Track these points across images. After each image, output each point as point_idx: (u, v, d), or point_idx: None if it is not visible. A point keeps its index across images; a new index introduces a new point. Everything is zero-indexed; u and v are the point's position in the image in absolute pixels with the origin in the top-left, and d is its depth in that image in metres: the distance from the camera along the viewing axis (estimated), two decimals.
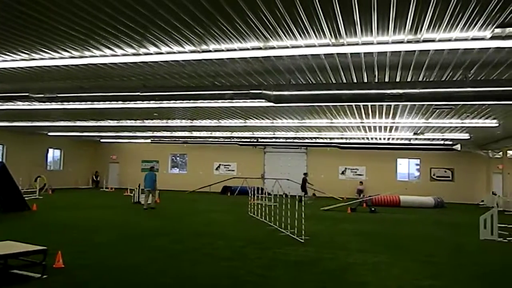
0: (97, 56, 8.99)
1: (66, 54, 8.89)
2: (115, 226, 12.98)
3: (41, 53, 8.89)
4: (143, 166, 36.47)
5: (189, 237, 11.12)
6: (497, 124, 17.13)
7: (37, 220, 14.05)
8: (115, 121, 21.53)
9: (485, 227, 12.28)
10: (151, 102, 13.04)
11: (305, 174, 28.26)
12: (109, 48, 8.41)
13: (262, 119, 18.55)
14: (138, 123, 21.60)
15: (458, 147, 24.75)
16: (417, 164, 32.01)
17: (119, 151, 37.26)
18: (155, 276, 7.10)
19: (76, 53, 8.85)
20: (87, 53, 8.83)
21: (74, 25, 7.17)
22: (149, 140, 31.82)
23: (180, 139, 30.14)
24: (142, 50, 8.54)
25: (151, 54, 8.70)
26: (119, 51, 8.62)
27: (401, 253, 9.84)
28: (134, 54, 8.78)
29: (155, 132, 26.91)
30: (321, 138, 26.06)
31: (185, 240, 10.72)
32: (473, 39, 7.21)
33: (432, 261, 8.95)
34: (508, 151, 25.60)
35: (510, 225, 12.81)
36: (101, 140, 35.48)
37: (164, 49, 8.38)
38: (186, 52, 8.53)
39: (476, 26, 6.73)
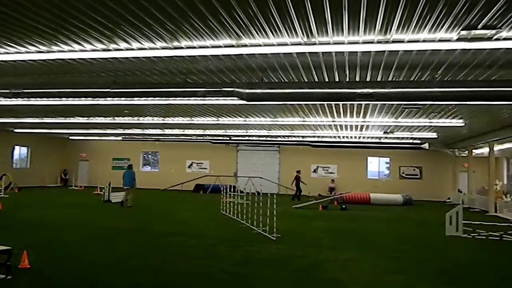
0: (65, 51, 8.77)
1: (32, 48, 8.64)
2: (83, 225, 12.72)
3: (6, 47, 8.61)
4: (114, 164, 35.88)
5: (160, 236, 11.00)
6: (463, 124, 17.68)
7: (2, 219, 13.60)
8: (85, 118, 21.07)
9: (451, 224, 12.67)
10: (122, 99, 12.81)
11: (298, 171, 27.99)
12: (78, 43, 8.22)
13: (235, 117, 18.53)
14: (108, 120, 21.19)
15: (426, 146, 25.41)
16: (387, 163, 32.69)
17: (89, 149, 36.49)
18: (124, 275, 6.99)
19: (43, 48, 8.61)
20: (55, 48, 8.60)
21: (41, 19, 6.97)
22: (120, 138, 31.28)
23: (152, 137, 29.80)
24: (112, 46, 8.38)
25: (122, 50, 8.56)
26: (88, 46, 8.44)
27: (370, 249, 10.03)
28: (104, 50, 8.61)
29: (126, 130, 26.48)
30: (294, 136, 26.27)
31: (156, 238, 10.61)
32: (440, 40, 7.41)
33: (399, 257, 9.16)
34: (474, 150, 26.46)
35: (474, 221, 13.25)
36: (70, 137, 34.66)
37: (135, 45, 8.26)
38: (157, 49, 8.43)
39: (443, 28, 6.91)
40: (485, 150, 24.56)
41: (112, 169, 35.59)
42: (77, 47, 8.46)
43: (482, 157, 27.54)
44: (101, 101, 14.71)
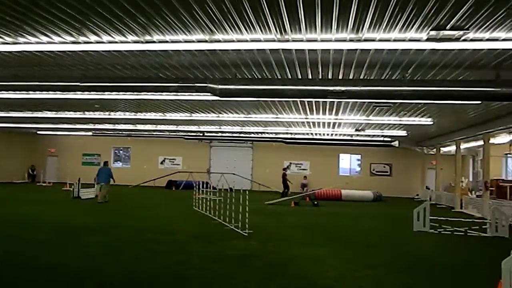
0: (32, 43, 8.52)
1: None
2: (50, 222, 12.40)
3: None
4: (84, 160, 35.15)
5: (131, 233, 10.85)
6: (431, 122, 18.16)
7: None
8: (54, 112, 20.52)
9: (418, 220, 12.99)
10: (92, 93, 12.57)
11: (284, 169, 27.97)
12: (45, 35, 8.00)
13: (208, 113, 18.45)
14: (78, 114, 20.73)
15: (396, 143, 25.99)
16: (358, 160, 33.24)
17: (58, 144, 35.58)
18: (92, 272, 6.86)
19: (9, 39, 8.34)
20: (21, 39, 8.35)
21: (6, 9, 6.73)
22: (90, 133, 30.63)
23: (124, 132, 29.31)
24: (82, 39, 8.20)
25: (92, 43, 8.38)
26: (56, 39, 8.22)
27: (340, 245, 10.18)
28: (73, 42, 8.42)
29: (97, 125, 25.94)
30: (267, 133, 26.37)
31: (126, 235, 10.45)
32: (410, 40, 7.58)
33: (369, 252, 9.33)
34: (441, 148, 27.22)
35: (440, 217, 13.61)
36: (38, 132, 33.63)
37: (106, 38, 8.10)
38: (129, 42, 8.30)
39: (413, 28, 7.07)
40: (452, 148, 25.31)
41: (82, 164, 34.86)
42: (44, 39, 8.22)
43: (449, 155, 28.36)
44: (71, 95, 14.38)
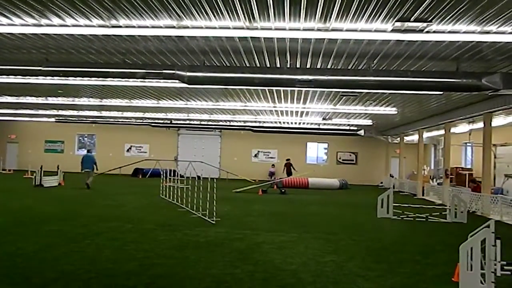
0: None
1: None
2: (10, 210, 12.03)
3: None
4: (47, 147, 34.15)
5: (94, 221, 10.67)
6: (395, 112, 18.63)
7: None
8: (14, 98, 19.76)
9: (382, 206, 13.39)
10: (55, 78, 12.14)
11: (288, 159, 28.29)
12: (5, 16, 7.66)
13: (176, 100, 18.25)
14: (40, 100, 20.04)
15: (361, 132, 26.55)
16: (325, 148, 33.75)
17: (18, 130, 34.36)
18: (54, 262, 6.72)
19: None
20: None
21: None
22: (53, 119, 29.69)
23: (88, 119, 28.61)
24: (44, 21, 7.91)
25: (55, 26, 8.10)
26: (17, 20, 7.90)
27: (306, 231, 10.37)
28: (34, 25, 8.11)
29: (60, 111, 25.18)
30: (235, 121, 26.36)
31: (90, 224, 10.28)
32: (376, 31, 7.72)
33: (333, 239, 9.56)
34: (405, 137, 27.99)
35: (403, 204, 14.06)
36: None
37: (69, 21, 7.85)
38: (93, 26, 8.07)
39: (379, 19, 7.20)
40: (415, 137, 26.09)
41: (45, 152, 33.86)
42: (4, 20, 7.89)
43: (412, 144, 29.21)
44: (32, 80, 13.85)
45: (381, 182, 30.73)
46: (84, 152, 34.47)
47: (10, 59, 10.78)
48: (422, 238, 10.28)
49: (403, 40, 8.30)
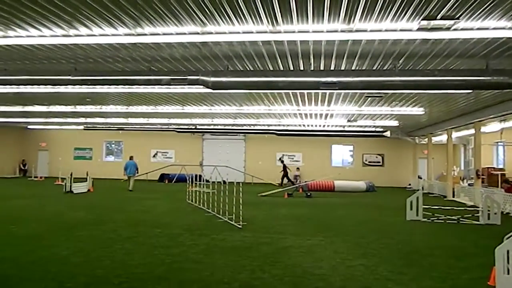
0: (22, 37, 8.42)
1: None
2: (43, 216, 12.35)
3: None
4: (76, 154, 34.95)
5: (124, 226, 10.84)
6: (423, 112, 18.27)
7: None
8: (44, 107, 20.33)
9: (411, 209, 13.13)
10: (83, 86, 12.48)
11: (282, 161, 29.01)
12: (35, 28, 7.90)
13: (200, 105, 18.39)
14: (69, 108, 20.56)
15: (388, 133, 26.13)
16: (350, 150, 33.36)
17: (49, 138, 35.32)
18: (85, 266, 6.86)
19: None
20: (11, 33, 8.24)
21: None
22: (81, 127, 30.41)
23: (115, 126, 29.14)
24: (72, 31, 8.11)
25: (82, 36, 8.30)
26: (46, 32, 8.13)
27: (334, 235, 10.26)
28: (63, 35, 8.33)
29: (88, 118, 25.76)
30: (259, 125, 26.37)
31: (119, 229, 10.44)
32: (401, 30, 7.60)
33: (362, 242, 9.42)
34: (433, 138, 27.41)
35: (433, 206, 13.76)
36: (29, 127, 33.38)
37: (96, 31, 8.03)
38: (120, 35, 8.23)
39: (404, 18, 7.09)
40: (444, 137, 25.51)
41: (74, 159, 34.67)
42: (35, 32, 8.13)
43: (440, 144, 28.58)
44: (62, 89, 14.25)
45: (409, 184, 30.16)
46: (111, 158, 35.41)
47: (40, 69, 11.10)
48: (454, 241, 10.02)
49: (430, 39, 8.14)
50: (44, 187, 23.96)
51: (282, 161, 29.50)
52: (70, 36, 8.32)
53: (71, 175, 20.42)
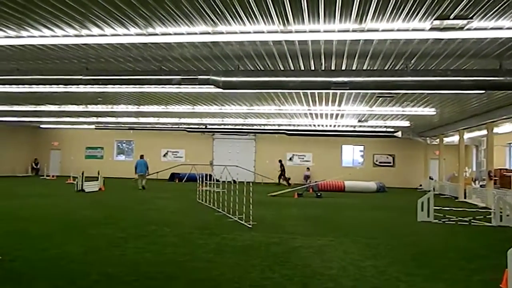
0: (35, 37, 8.51)
1: (1, 33, 8.35)
2: (54, 215, 12.48)
3: None
4: (87, 153, 35.27)
5: (134, 225, 10.90)
6: (434, 112, 18.11)
7: None
8: (56, 106, 20.56)
9: (422, 210, 13.02)
10: (95, 86, 12.58)
11: (280, 160, 29.85)
12: (48, 28, 7.99)
13: (211, 105, 18.44)
14: (81, 108, 20.76)
15: (399, 134, 25.96)
16: (361, 151, 33.21)
17: (61, 138, 35.70)
18: (96, 265, 6.91)
19: (12, 33, 8.34)
20: (24, 33, 8.35)
21: (9, 2, 6.72)
22: (93, 126, 30.68)
23: (126, 125, 29.35)
24: (84, 31, 8.19)
25: (94, 35, 8.37)
26: (59, 32, 8.21)
27: (344, 235, 10.21)
28: (75, 35, 8.41)
29: (99, 118, 25.98)
30: (270, 125, 26.37)
31: (130, 228, 10.51)
32: (413, 30, 7.54)
33: (372, 243, 9.36)
34: (444, 138, 27.16)
35: (444, 207, 13.63)
36: (41, 126, 33.79)
37: (108, 30, 8.09)
38: (131, 35, 8.28)
39: (416, 18, 7.04)
40: (455, 138, 25.25)
41: (85, 158, 34.98)
42: (47, 32, 8.22)
43: (452, 145, 28.31)
44: (73, 89, 14.39)
45: (420, 185, 29.93)
46: (122, 158, 35.65)
47: (52, 69, 11.22)
48: (465, 242, 9.91)
49: (442, 39, 8.07)
50: (56, 186, 24.20)
51: (280, 161, 30.07)
52: (82, 36, 8.40)
53: (82, 174, 20.61)
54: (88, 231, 9.89)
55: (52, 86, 13.21)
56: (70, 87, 14.00)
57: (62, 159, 35.48)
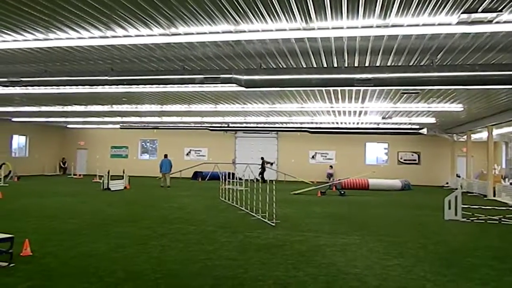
0: (62, 39, 8.70)
1: (30, 36, 8.57)
2: (82, 213, 12.76)
3: (3, 35, 8.54)
4: (112, 152, 35.88)
5: (159, 223, 11.05)
6: (461, 108, 17.69)
7: (3, 207, 13.63)
8: (82, 106, 20.99)
9: (450, 208, 12.75)
10: (120, 86, 12.75)
11: (262, 158, 30.10)
12: (74, 30, 8.15)
13: (233, 103, 18.48)
14: (106, 108, 21.12)
15: (424, 131, 25.46)
16: (385, 148, 32.73)
17: (87, 137, 36.44)
18: (123, 262, 7.04)
19: (40, 36, 8.53)
20: (51, 36, 8.53)
21: (37, 6, 6.89)
22: (118, 126, 31.21)
23: (150, 125, 29.74)
24: (109, 33, 8.31)
25: (119, 37, 8.49)
26: (85, 34, 8.36)
27: (369, 234, 10.10)
28: (101, 37, 8.54)
29: (124, 118, 26.39)
30: (292, 123, 26.27)
31: (154, 226, 10.66)
32: (440, 24, 7.36)
33: (398, 241, 9.23)
34: (472, 135, 26.50)
35: (473, 206, 13.32)
36: (68, 126, 34.60)
37: (132, 31, 8.19)
38: (155, 35, 8.36)
39: (443, 12, 6.87)
40: (484, 134, 24.61)
41: (111, 157, 35.60)
42: (74, 34, 8.38)
43: (480, 142, 27.62)
44: (99, 89, 14.64)
45: (447, 183, 29.31)
46: (146, 157, 36.15)
47: (79, 70, 11.46)
48: (495, 241, 9.66)
49: (470, 33, 7.85)
50: (83, 184, 24.74)
51: (262, 158, 30.15)
52: (107, 37, 8.53)
53: (108, 173, 21.00)
54: (114, 229, 10.07)
55: (79, 87, 13.47)
56: (96, 88, 14.24)
57: (88, 158, 36.21)
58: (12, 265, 6.67)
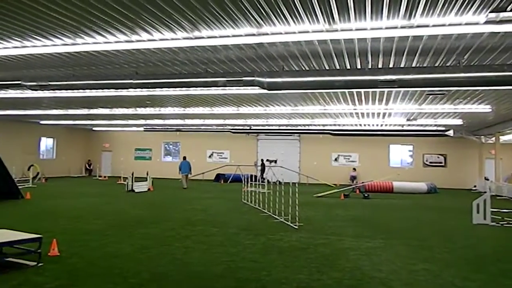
0: (89, 44, 8.88)
1: (58, 41, 8.78)
2: (107, 214, 12.97)
3: (33, 40, 8.78)
4: (136, 155, 36.39)
5: (182, 225, 11.14)
6: (490, 110, 17.25)
7: (31, 208, 14.00)
8: (108, 109, 21.38)
9: (478, 212, 12.42)
10: (144, 89, 12.92)
11: (261, 160, 30.89)
12: (101, 35, 8.31)
13: (255, 106, 18.50)
14: (130, 111, 21.46)
15: (451, 133, 24.91)
16: (410, 150, 32.18)
17: (111, 139, 37.08)
18: (147, 263, 7.12)
19: (68, 40, 8.73)
20: (79, 40, 8.72)
21: (66, 12, 7.06)
22: (142, 128, 31.66)
23: (173, 127, 30.05)
24: (135, 37, 8.44)
25: (144, 41, 8.61)
26: (111, 38, 8.52)
27: (394, 237, 9.94)
28: (126, 41, 8.68)
29: (147, 120, 26.77)
30: (314, 125, 26.11)
31: (178, 227, 10.74)
32: (467, 24, 7.20)
33: (425, 245, 9.05)
34: (501, 137, 25.80)
35: (502, 209, 12.96)
36: (94, 129, 35.30)
37: (157, 35, 8.30)
38: (178, 39, 8.45)
39: (470, 11, 6.72)
40: None
41: (135, 159, 36.11)
42: (100, 39, 8.55)
43: (510, 144, 26.84)
44: (124, 92, 14.89)
45: (475, 186, 28.60)
46: (169, 159, 36.54)
47: (104, 74, 11.69)
48: None
49: (498, 32, 7.65)
50: (108, 186, 25.16)
51: (262, 160, 30.98)
52: (132, 41, 8.67)
53: (132, 174, 21.31)
54: (138, 230, 10.20)
55: (104, 90, 13.72)
56: (121, 91, 14.48)
57: (112, 160, 36.83)
58: (40, 264, 6.83)
